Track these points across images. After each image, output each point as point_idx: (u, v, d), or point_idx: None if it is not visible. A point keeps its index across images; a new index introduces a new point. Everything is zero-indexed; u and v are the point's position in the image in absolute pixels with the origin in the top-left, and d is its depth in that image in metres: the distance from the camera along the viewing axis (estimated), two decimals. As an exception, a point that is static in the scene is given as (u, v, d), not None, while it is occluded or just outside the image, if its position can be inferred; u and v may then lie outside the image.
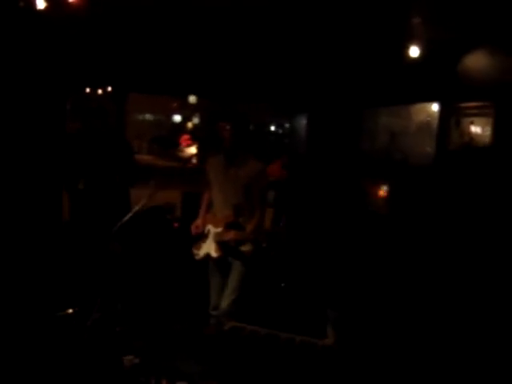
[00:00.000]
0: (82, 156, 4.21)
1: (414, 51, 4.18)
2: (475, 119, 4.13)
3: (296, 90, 6.09)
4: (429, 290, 4.17)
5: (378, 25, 4.31)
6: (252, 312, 3.58)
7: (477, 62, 4.07)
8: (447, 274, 4.08)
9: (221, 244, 3.47)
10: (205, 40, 5.00)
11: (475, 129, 4.12)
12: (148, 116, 20.49)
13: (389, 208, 5.12)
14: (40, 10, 3.72)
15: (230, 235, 3.42)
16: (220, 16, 4.36)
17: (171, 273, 4.86)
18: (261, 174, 3.52)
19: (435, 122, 4.61)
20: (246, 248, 3.44)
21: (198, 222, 3.70)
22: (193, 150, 13.69)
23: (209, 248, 3.54)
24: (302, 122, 6.96)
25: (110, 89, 7.48)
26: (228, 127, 3.46)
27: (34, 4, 3.69)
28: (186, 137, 15.28)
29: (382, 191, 5.27)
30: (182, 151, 14.38)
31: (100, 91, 7.57)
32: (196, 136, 15.22)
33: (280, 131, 16.06)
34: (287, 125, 11.40)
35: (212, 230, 3.56)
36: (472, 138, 4.14)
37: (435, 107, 4.65)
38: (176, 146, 15.19)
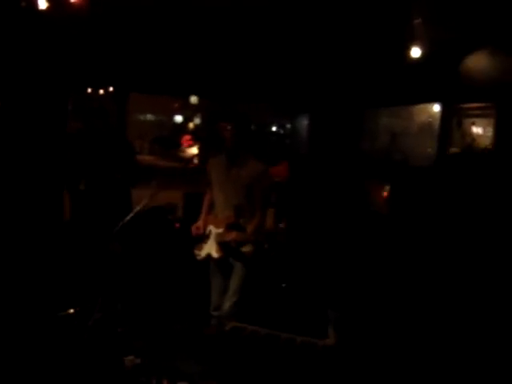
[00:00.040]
0: (84, 156, 4.22)
1: (416, 52, 4.17)
2: (477, 120, 4.11)
3: (297, 90, 6.09)
4: (430, 290, 4.17)
5: (379, 25, 4.31)
6: (253, 312, 3.58)
7: (478, 62, 4.07)
8: (448, 274, 4.08)
9: (222, 245, 3.48)
10: (206, 40, 5.00)
11: (477, 130, 4.11)
12: (149, 116, 20.52)
13: (390, 209, 5.11)
14: (42, 11, 3.72)
15: (231, 236, 3.42)
16: (221, 16, 4.36)
17: (172, 273, 4.86)
18: (263, 174, 3.51)
19: (436, 123, 4.60)
20: (246, 249, 3.44)
21: (199, 223, 3.70)
22: (194, 150, 13.68)
23: (210, 248, 3.54)
24: (304, 122, 6.94)
25: (111, 89, 7.48)
26: (229, 127, 3.46)
27: (35, 4, 3.69)
28: (187, 137, 15.30)
29: (384, 192, 5.26)
30: (184, 151, 14.40)
31: (101, 91, 7.58)
32: (197, 136, 15.25)
33: (281, 132, 16.02)
34: (288, 125, 11.38)
35: (213, 230, 3.56)
36: (474, 138, 4.14)
37: (437, 108, 4.64)
38: (177, 146, 15.21)
